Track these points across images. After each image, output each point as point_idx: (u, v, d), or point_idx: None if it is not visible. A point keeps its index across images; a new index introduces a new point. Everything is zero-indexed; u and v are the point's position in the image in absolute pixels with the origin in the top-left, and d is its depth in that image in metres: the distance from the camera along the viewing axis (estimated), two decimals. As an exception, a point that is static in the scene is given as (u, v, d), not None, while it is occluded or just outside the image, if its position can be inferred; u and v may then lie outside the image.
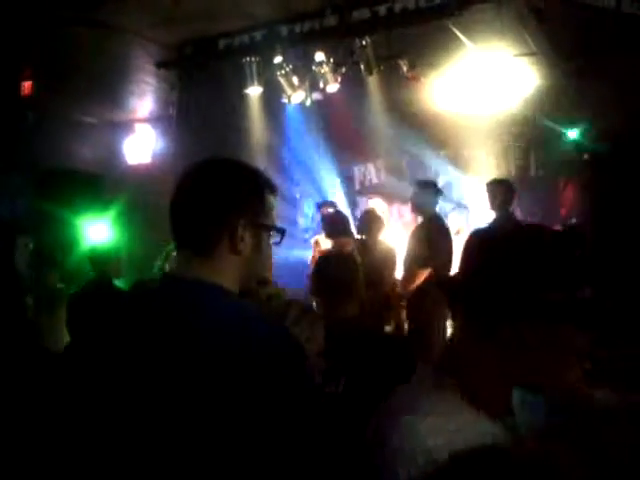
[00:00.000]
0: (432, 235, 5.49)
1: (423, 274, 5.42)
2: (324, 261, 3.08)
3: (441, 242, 5.49)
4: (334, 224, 5.96)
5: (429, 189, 5.75)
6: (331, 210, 6.94)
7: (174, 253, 6.03)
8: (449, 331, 5.11)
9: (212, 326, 1.37)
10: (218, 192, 1.51)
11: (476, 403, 1.26)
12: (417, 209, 5.78)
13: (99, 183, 7.30)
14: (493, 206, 5.86)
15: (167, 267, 7.03)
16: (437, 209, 5.83)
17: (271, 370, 1.33)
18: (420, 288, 5.41)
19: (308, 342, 2.20)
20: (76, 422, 1.48)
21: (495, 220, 5.78)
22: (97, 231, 6.92)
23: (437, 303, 4.97)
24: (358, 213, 9.03)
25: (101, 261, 4.55)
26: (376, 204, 8.41)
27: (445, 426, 1.21)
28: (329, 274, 2.90)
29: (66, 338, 5.22)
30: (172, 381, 1.33)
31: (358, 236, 6.14)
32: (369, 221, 6.14)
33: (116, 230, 6.98)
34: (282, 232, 1.61)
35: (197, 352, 1.33)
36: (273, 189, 1.62)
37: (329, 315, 2.72)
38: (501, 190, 5.86)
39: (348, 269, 2.92)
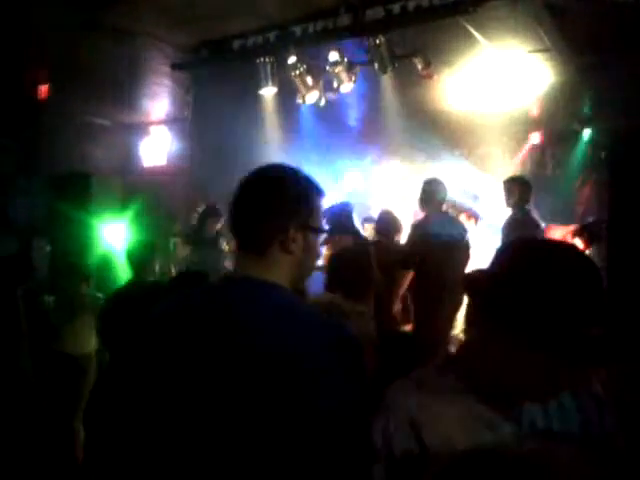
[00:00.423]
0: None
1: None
2: (339, 257, 3.09)
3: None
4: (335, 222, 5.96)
5: (432, 186, 5.72)
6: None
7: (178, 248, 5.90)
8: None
9: (264, 319, 1.46)
10: (271, 197, 1.62)
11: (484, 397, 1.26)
12: (422, 207, 5.73)
13: (115, 185, 7.31)
14: (509, 203, 5.82)
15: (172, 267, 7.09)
16: (444, 207, 5.80)
17: (328, 360, 1.40)
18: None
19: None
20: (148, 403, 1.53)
21: (512, 217, 5.76)
22: (113, 233, 6.95)
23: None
24: (372, 214, 9.03)
25: (139, 261, 4.53)
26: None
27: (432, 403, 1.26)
28: (344, 270, 2.91)
29: (90, 341, 5.26)
30: (237, 370, 1.40)
31: (375, 237, 6.13)
32: (388, 222, 6.13)
33: (133, 231, 7.00)
34: (322, 231, 1.71)
35: (254, 344, 1.41)
36: (321, 193, 1.72)
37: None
38: (517, 188, 5.82)
39: (363, 266, 2.92)
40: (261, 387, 1.36)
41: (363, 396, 1.42)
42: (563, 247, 1.39)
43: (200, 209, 7.22)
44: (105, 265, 6.73)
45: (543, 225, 6.97)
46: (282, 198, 1.62)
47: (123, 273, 6.81)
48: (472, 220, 7.09)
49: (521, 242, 1.45)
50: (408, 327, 5.55)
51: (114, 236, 6.89)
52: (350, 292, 2.82)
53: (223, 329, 1.46)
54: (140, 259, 4.51)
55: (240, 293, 1.54)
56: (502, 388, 1.29)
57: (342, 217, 6.16)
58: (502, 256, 1.39)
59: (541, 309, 1.24)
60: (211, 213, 7.04)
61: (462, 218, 6.86)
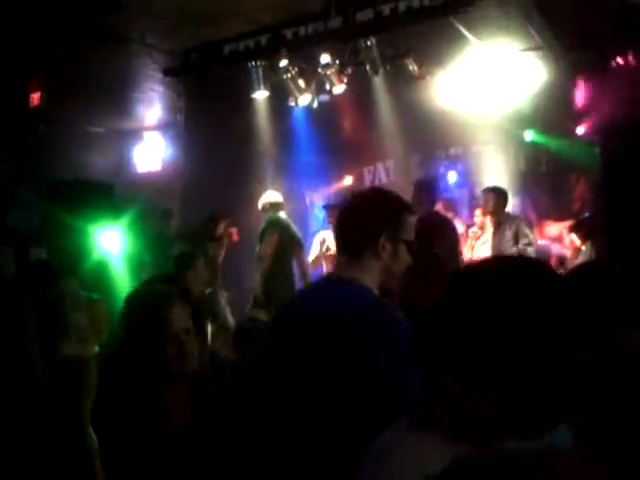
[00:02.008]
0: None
1: None
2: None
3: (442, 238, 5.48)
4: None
5: (425, 187, 5.78)
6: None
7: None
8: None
9: (346, 310, 1.91)
10: (366, 213, 2.05)
11: None
12: (416, 207, 5.74)
13: (110, 192, 7.32)
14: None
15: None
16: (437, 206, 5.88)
17: (393, 344, 1.85)
18: None
19: None
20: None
21: None
22: (109, 239, 6.95)
23: None
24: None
25: (181, 268, 4.60)
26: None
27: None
28: None
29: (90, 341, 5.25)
30: (324, 349, 1.87)
31: None
32: None
33: (128, 238, 7.01)
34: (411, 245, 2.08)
35: (335, 329, 1.88)
36: (411, 210, 2.13)
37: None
38: (492, 197, 6.06)
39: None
40: (336, 362, 1.84)
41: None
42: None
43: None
44: (101, 271, 6.73)
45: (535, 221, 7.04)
46: (376, 214, 2.03)
47: (119, 279, 6.84)
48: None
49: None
50: None
51: (110, 243, 6.90)
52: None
53: (317, 318, 1.94)
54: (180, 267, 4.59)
55: (332, 291, 2.03)
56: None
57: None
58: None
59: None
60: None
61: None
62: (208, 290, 6.69)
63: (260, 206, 6.82)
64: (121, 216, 7.01)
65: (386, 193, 2.18)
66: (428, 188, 5.84)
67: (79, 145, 8.01)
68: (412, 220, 2.10)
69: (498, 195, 6.35)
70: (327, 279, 2.23)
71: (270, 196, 6.86)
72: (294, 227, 6.82)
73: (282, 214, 6.75)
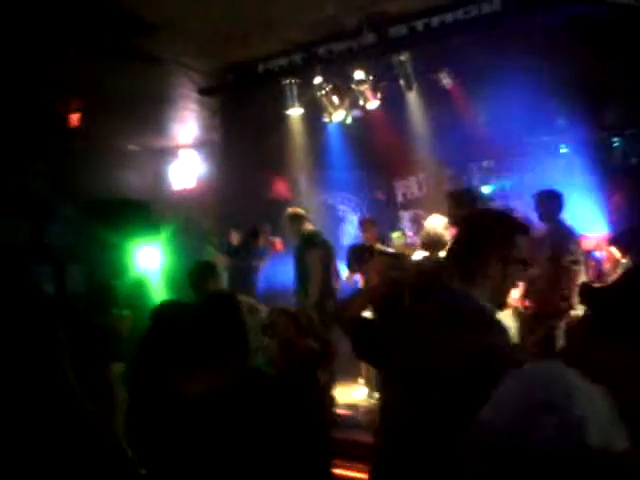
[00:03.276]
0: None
1: None
2: None
3: None
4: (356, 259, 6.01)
5: (462, 198, 5.70)
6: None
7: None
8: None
9: (463, 316, 2.12)
10: (480, 234, 2.25)
11: None
12: (451, 221, 5.67)
13: (147, 209, 7.44)
14: (542, 217, 5.80)
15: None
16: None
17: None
18: None
19: None
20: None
21: (547, 230, 5.73)
22: (147, 256, 7.05)
23: None
24: (402, 227, 9.03)
25: (199, 281, 4.58)
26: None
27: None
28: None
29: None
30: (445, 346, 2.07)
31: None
32: (430, 238, 6.06)
33: (166, 254, 7.10)
34: (525, 263, 2.23)
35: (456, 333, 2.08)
36: (524, 231, 2.26)
37: None
38: (549, 201, 5.81)
39: None
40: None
41: None
42: None
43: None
44: (139, 289, 6.83)
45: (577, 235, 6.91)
46: (487, 236, 2.22)
47: (158, 295, 6.93)
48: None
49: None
50: None
51: (148, 260, 7.00)
52: None
53: (437, 325, 2.16)
54: (196, 281, 4.58)
55: (447, 301, 2.23)
56: None
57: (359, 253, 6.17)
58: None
59: None
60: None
61: None
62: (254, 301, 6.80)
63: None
64: (158, 233, 7.11)
65: (500, 214, 2.41)
66: (466, 199, 5.76)
67: (116, 163, 8.14)
68: (524, 240, 2.24)
69: (552, 198, 6.06)
70: (444, 289, 2.34)
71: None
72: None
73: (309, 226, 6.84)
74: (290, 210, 6.99)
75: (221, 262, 7.31)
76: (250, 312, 5.67)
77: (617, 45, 6.18)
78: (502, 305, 2.31)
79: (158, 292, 6.82)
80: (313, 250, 6.37)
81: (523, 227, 2.29)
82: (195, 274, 4.58)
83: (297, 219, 6.88)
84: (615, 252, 6.25)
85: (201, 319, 2.56)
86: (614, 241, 6.37)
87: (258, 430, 2.26)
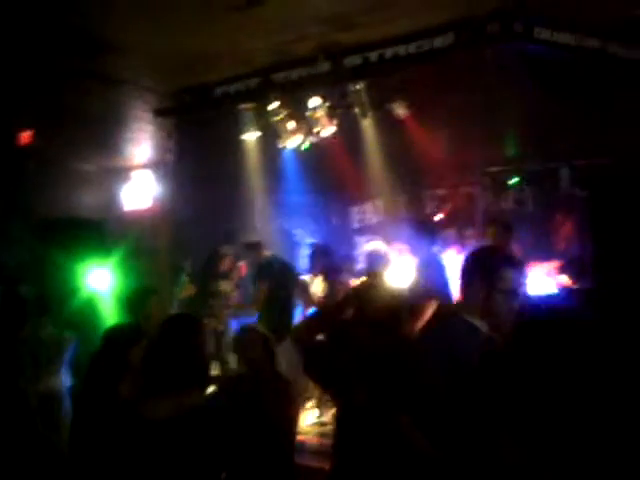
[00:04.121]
0: (429, 274, 5.56)
1: (429, 309, 5.44)
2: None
3: (437, 279, 5.55)
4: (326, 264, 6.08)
5: (422, 229, 5.84)
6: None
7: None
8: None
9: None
10: (471, 266, 2.70)
11: None
12: (412, 250, 5.86)
13: (99, 230, 7.36)
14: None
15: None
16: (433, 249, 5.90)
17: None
18: (429, 322, 5.43)
19: None
20: None
21: None
22: (98, 277, 6.96)
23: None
24: (357, 253, 9.10)
25: (136, 306, 4.47)
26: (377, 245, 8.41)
27: None
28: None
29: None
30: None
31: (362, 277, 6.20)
32: (375, 261, 6.22)
33: (117, 276, 7.02)
34: (513, 292, 2.58)
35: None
36: (511, 265, 2.64)
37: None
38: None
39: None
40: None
41: None
42: None
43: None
44: (90, 310, 6.73)
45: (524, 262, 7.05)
46: (477, 268, 2.66)
47: (108, 316, 6.83)
48: None
49: None
50: None
51: (99, 280, 6.91)
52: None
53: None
54: (135, 305, 4.48)
55: (449, 324, 2.71)
56: None
57: (332, 259, 6.24)
58: None
59: None
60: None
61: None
62: (222, 327, 6.84)
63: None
64: (110, 254, 7.03)
65: (491, 249, 3.16)
66: (425, 231, 5.89)
67: (69, 182, 8.04)
68: (509, 272, 2.61)
69: (505, 229, 6.35)
70: (452, 313, 2.83)
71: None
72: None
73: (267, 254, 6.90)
74: (244, 241, 7.07)
75: (190, 290, 7.29)
76: (211, 334, 5.65)
77: (564, 81, 6.39)
78: (499, 330, 2.61)
79: (108, 314, 6.72)
80: (261, 281, 6.44)
81: (509, 261, 2.68)
82: (134, 298, 4.49)
83: (252, 248, 6.94)
84: (565, 280, 6.42)
85: (159, 343, 2.55)
86: (563, 269, 6.53)
87: (216, 453, 2.26)
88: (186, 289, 7.29)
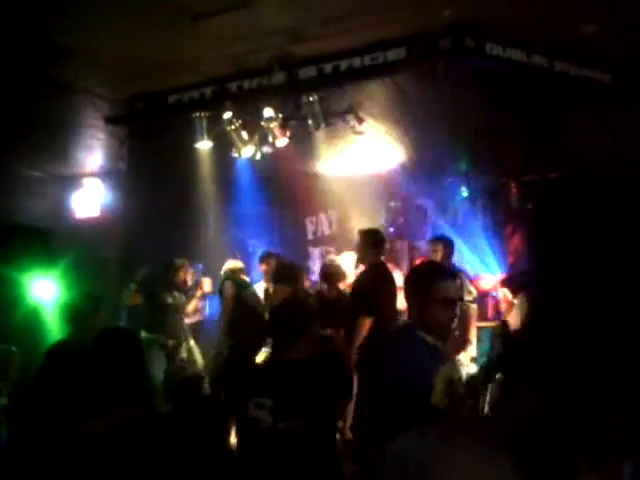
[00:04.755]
0: (372, 283, 5.63)
1: (367, 323, 5.49)
2: (280, 306, 3.26)
3: (381, 290, 5.61)
4: (279, 272, 6.12)
5: (370, 238, 5.93)
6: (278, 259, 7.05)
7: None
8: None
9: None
10: (409, 281, 3.03)
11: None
12: (360, 258, 5.96)
13: (46, 238, 7.18)
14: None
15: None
16: (380, 257, 5.97)
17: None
18: (369, 336, 5.47)
19: None
20: None
21: None
22: (44, 287, 6.78)
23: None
24: (311, 264, 9.11)
25: (80, 316, 4.29)
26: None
27: None
28: (282, 317, 3.05)
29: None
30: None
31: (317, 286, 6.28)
32: (329, 272, 6.32)
33: (63, 285, 6.85)
34: (447, 301, 2.82)
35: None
36: (443, 276, 2.90)
37: (279, 356, 2.86)
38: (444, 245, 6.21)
39: (300, 314, 3.04)
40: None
41: None
42: None
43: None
44: (34, 320, 6.55)
45: (472, 274, 7.19)
46: (413, 283, 2.95)
47: (54, 327, 6.66)
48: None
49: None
50: None
51: (44, 291, 6.73)
52: (278, 338, 2.99)
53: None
54: (78, 314, 4.33)
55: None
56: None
57: (285, 269, 6.24)
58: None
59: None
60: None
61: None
62: (172, 342, 6.77)
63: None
64: (57, 263, 6.86)
65: (426, 264, 3.91)
66: (373, 241, 5.97)
67: (17, 189, 7.87)
68: (441, 284, 2.83)
69: (445, 244, 6.47)
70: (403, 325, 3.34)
71: (229, 264, 7.32)
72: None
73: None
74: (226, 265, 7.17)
75: (136, 300, 7.17)
76: (161, 348, 5.61)
77: (514, 97, 6.53)
78: (443, 338, 2.85)
79: (53, 326, 6.55)
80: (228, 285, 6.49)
81: (440, 273, 2.94)
82: (79, 308, 4.36)
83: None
84: (507, 293, 6.54)
85: (96, 359, 2.50)
86: (506, 282, 6.66)
87: (153, 469, 2.22)
88: (132, 298, 7.15)
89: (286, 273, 6.03)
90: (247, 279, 7.52)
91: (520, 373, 1.53)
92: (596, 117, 6.40)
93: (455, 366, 2.96)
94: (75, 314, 4.32)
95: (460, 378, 2.92)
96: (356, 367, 5.05)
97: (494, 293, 7.71)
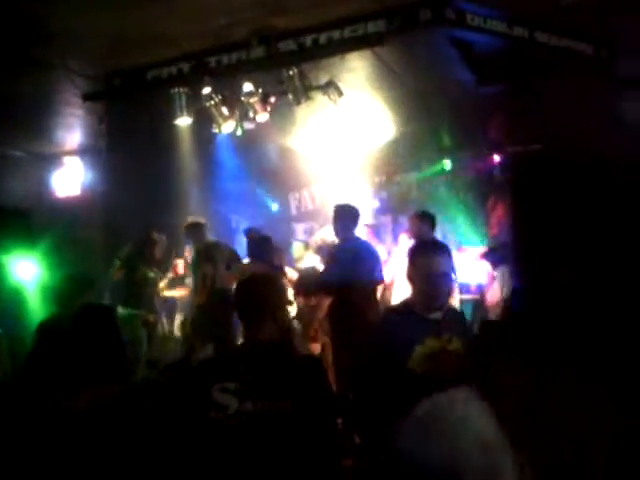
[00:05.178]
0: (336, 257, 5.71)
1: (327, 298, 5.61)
2: (244, 283, 3.10)
3: (348, 263, 5.66)
4: (254, 248, 6.12)
5: (345, 213, 5.95)
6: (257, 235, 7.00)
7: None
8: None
9: None
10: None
11: None
12: (336, 233, 5.99)
13: (27, 218, 7.09)
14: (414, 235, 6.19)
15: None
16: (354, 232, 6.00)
17: None
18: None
19: None
20: None
21: None
22: (25, 267, 6.72)
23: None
24: (294, 239, 9.10)
25: (68, 298, 4.22)
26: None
27: None
28: (248, 296, 2.91)
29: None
30: None
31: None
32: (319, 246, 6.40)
33: (44, 265, 6.78)
34: (432, 275, 2.98)
35: None
36: (423, 253, 3.11)
37: (248, 337, 2.77)
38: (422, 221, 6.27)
39: (267, 291, 2.91)
40: None
41: None
42: None
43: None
44: (17, 301, 6.50)
45: (456, 247, 7.22)
46: (407, 260, 3.21)
47: (36, 308, 6.61)
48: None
49: None
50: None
51: (25, 270, 6.67)
52: (245, 318, 2.85)
53: None
54: (62, 296, 4.27)
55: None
56: None
57: (261, 245, 6.24)
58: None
59: None
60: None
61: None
62: (152, 317, 6.69)
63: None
64: (37, 243, 6.79)
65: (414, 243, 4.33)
66: (348, 215, 5.99)
67: (-4, 169, 7.78)
68: (422, 260, 3.06)
69: (424, 220, 6.47)
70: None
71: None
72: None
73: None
74: (189, 219, 7.02)
75: (118, 275, 7.11)
76: (144, 324, 5.57)
77: (495, 69, 6.50)
78: (434, 309, 3.01)
79: (35, 306, 6.50)
80: (203, 264, 6.33)
81: (424, 251, 3.14)
82: (67, 289, 4.31)
83: (194, 228, 6.91)
84: (487, 266, 6.59)
85: (76, 335, 2.48)
86: (485, 255, 6.69)
87: (136, 446, 2.22)
88: (116, 273, 7.09)
89: (257, 249, 6.05)
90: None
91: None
92: (578, 88, 6.39)
93: (453, 338, 2.95)
94: (59, 296, 4.27)
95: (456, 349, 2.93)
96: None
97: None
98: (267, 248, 6.15)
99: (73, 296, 4.16)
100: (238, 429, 2.51)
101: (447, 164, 8.67)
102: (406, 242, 7.65)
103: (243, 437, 2.50)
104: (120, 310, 6.44)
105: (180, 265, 7.73)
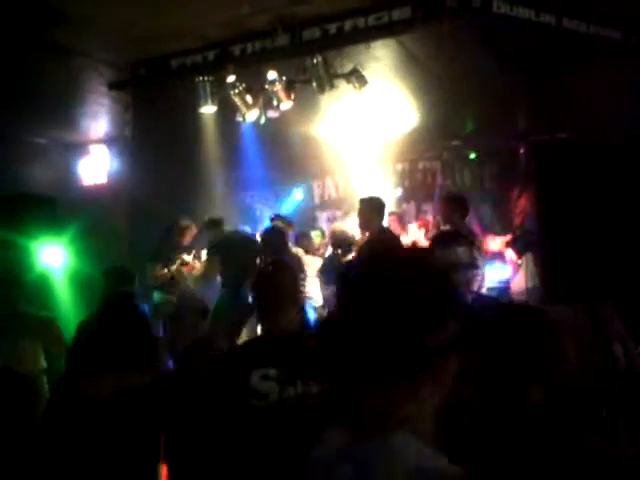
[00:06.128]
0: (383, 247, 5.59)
1: None
2: (263, 274, 3.14)
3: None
4: (269, 244, 6.05)
5: (373, 204, 5.86)
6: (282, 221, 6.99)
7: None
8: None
9: None
10: None
11: None
12: (362, 225, 5.87)
13: (53, 205, 7.17)
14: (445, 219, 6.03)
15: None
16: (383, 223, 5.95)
17: None
18: None
19: None
20: None
21: None
22: (52, 254, 6.81)
23: None
24: (318, 227, 9.10)
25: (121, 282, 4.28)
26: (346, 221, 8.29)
27: None
28: (271, 285, 2.93)
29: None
30: None
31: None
32: (337, 240, 6.33)
33: (71, 252, 6.87)
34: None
35: None
36: (439, 244, 3.18)
37: (273, 325, 2.79)
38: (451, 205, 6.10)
39: (287, 278, 2.96)
40: None
41: None
42: None
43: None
44: (44, 286, 6.59)
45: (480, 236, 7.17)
46: None
47: (62, 294, 6.70)
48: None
49: None
50: None
51: (52, 257, 6.77)
52: (270, 306, 2.87)
53: None
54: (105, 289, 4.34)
55: None
56: None
57: (274, 238, 6.21)
58: None
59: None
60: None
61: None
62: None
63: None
64: (64, 230, 6.87)
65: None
66: (377, 207, 5.91)
67: (22, 157, 7.85)
68: (442, 251, 3.07)
69: (454, 204, 6.27)
70: None
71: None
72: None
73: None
74: (205, 218, 7.05)
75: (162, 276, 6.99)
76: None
77: (522, 56, 6.42)
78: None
79: (62, 292, 6.60)
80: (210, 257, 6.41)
81: (441, 240, 3.21)
82: (112, 279, 4.37)
83: (213, 225, 6.95)
84: (512, 254, 6.54)
85: (101, 322, 2.51)
86: (510, 244, 6.64)
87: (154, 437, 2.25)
88: (158, 276, 6.91)
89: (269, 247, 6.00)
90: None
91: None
92: (606, 75, 6.29)
93: None
94: (100, 291, 4.34)
95: None
96: None
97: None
98: (279, 240, 6.11)
99: (111, 291, 4.22)
100: (282, 415, 2.52)
101: (471, 152, 8.60)
102: (416, 232, 7.66)
103: (288, 423, 2.51)
104: (156, 295, 6.49)
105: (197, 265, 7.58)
